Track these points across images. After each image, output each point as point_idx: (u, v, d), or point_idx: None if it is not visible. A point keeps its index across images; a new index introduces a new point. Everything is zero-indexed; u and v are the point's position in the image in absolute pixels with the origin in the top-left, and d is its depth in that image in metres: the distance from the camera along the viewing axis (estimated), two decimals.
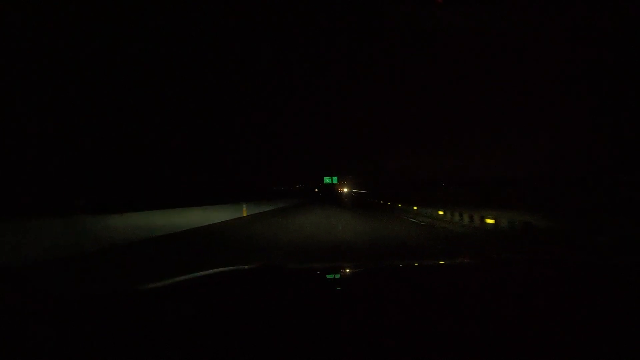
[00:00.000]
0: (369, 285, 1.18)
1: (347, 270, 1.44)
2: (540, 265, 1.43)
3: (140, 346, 0.62)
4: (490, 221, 10.00)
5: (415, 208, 18.32)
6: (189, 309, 0.85)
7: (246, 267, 1.38)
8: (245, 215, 15.17)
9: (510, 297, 0.96)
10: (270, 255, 6.07)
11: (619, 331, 0.69)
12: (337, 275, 1.35)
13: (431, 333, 0.69)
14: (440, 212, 14.57)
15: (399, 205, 22.55)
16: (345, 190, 72.95)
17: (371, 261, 4.13)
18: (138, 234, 7.81)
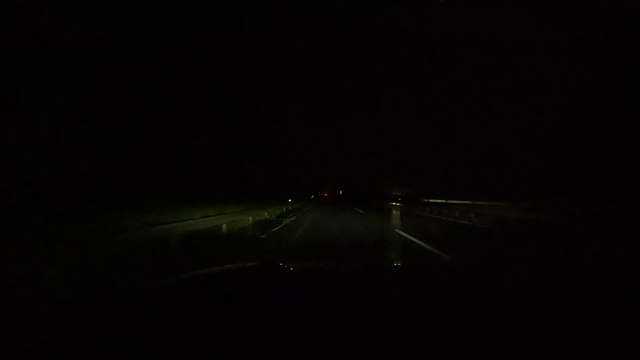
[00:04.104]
0: (370, 286, 1.17)
1: (349, 270, 1.44)
2: (540, 267, 1.43)
3: (142, 345, 0.62)
4: None
5: None
6: (192, 307, 0.85)
7: (248, 266, 1.38)
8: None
9: (510, 297, 0.96)
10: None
11: (619, 331, 0.69)
12: (339, 275, 1.34)
13: (432, 333, 0.69)
14: None
15: None
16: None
17: (373, 261, 4.12)
18: None
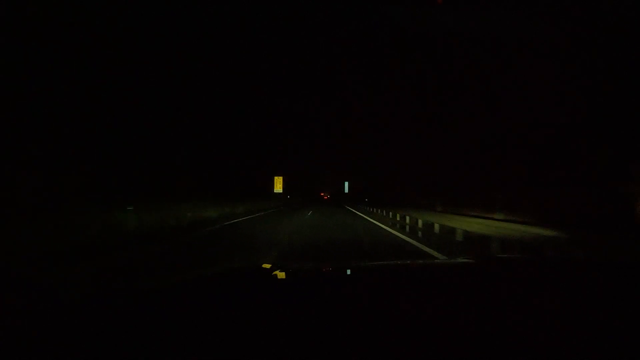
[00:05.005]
0: (370, 286, 1.18)
1: (350, 271, 1.44)
2: (539, 265, 1.43)
3: (142, 346, 0.62)
4: None
5: None
6: (192, 308, 0.84)
7: (249, 266, 1.39)
8: None
9: (509, 297, 0.96)
10: None
11: (619, 331, 0.69)
12: (339, 275, 1.35)
13: (432, 333, 0.69)
14: None
15: None
16: None
17: (375, 261, 4.14)
18: None
